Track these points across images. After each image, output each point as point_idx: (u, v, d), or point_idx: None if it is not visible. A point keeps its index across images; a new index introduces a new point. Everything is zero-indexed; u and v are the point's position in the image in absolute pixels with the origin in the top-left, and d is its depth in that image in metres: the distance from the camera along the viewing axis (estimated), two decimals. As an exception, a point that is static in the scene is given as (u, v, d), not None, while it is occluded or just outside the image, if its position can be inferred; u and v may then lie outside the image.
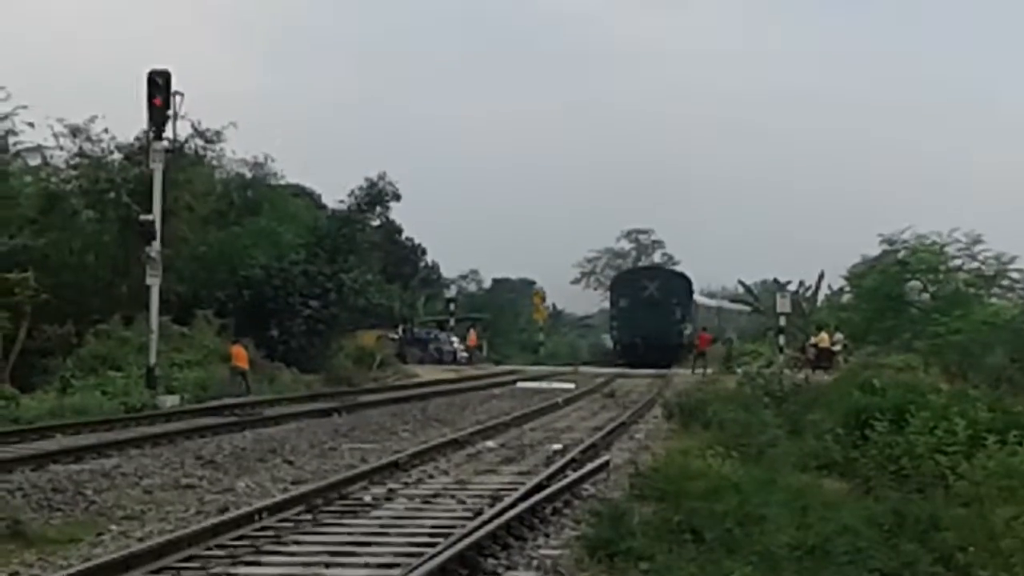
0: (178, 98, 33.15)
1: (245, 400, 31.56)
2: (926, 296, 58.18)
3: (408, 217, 71.31)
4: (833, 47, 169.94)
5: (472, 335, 66.94)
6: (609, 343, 69.69)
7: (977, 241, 58.33)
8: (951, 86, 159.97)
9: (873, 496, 15.18)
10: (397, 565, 11.06)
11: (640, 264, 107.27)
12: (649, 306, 62.89)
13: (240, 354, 34.66)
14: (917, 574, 10.73)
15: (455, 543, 11.62)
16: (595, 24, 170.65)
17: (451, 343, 63.67)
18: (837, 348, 52.46)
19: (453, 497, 15.80)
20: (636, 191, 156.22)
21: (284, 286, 43.73)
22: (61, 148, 39.66)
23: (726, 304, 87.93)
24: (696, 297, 73.48)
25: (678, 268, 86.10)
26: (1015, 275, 59.41)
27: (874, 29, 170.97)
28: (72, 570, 10.71)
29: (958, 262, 59.18)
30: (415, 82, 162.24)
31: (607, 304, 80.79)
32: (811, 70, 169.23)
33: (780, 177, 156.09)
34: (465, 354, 63.13)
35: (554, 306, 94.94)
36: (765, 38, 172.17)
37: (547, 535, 13.31)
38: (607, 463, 18.70)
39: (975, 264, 59.18)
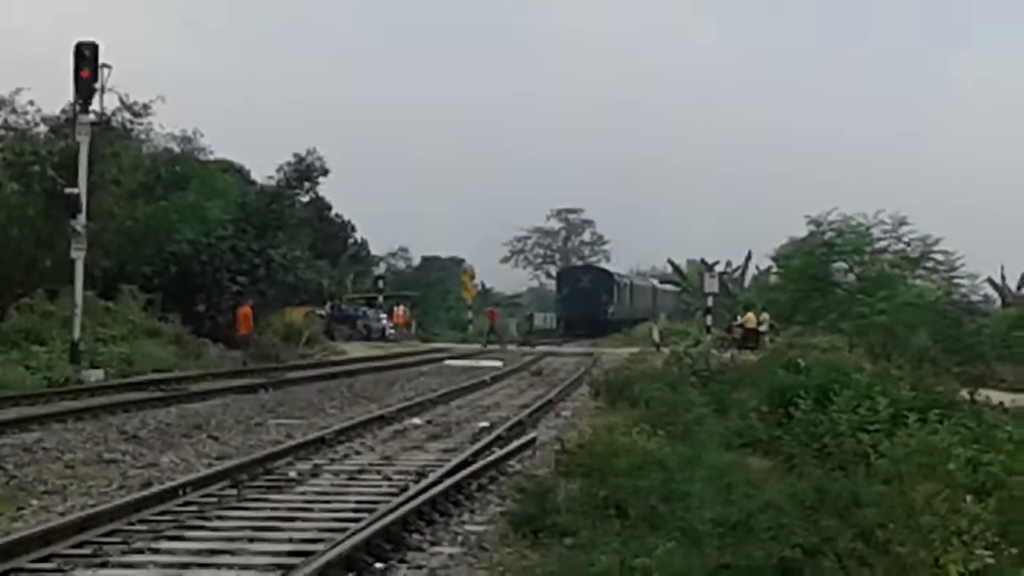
0: (105, 71, 32.75)
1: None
2: (852, 277, 58.77)
3: (338, 195, 71.68)
4: (772, 43, 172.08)
5: (398, 313, 66.92)
6: (538, 321, 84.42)
7: (902, 223, 58.98)
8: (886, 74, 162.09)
9: (796, 473, 15.28)
10: (321, 540, 11.02)
11: (572, 250, 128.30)
12: (584, 293, 78.57)
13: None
14: (837, 550, 10.81)
15: (380, 518, 11.62)
16: (529, 15, 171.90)
17: (379, 320, 63.81)
18: (763, 328, 52.86)
19: (379, 473, 15.80)
20: (569, 172, 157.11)
21: (212, 261, 43.44)
22: (-15, 120, 39.07)
23: (674, 288, 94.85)
24: (656, 283, 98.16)
25: (605, 264, 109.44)
26: (939, 257, 60.09)
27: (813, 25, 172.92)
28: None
29: (884, 244, 59.84)
30: (344, 66, 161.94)
31: (536, 283, 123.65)
32: (743, 61, 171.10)
33: (712, 159, 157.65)
34: (393, 331, 63.23)
35: (483, 284, 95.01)
36: (710, 28, 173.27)
37: (472, 511, 13.34)
38: (533, 440, 18.76)
39: (900, 246, 59.85)
